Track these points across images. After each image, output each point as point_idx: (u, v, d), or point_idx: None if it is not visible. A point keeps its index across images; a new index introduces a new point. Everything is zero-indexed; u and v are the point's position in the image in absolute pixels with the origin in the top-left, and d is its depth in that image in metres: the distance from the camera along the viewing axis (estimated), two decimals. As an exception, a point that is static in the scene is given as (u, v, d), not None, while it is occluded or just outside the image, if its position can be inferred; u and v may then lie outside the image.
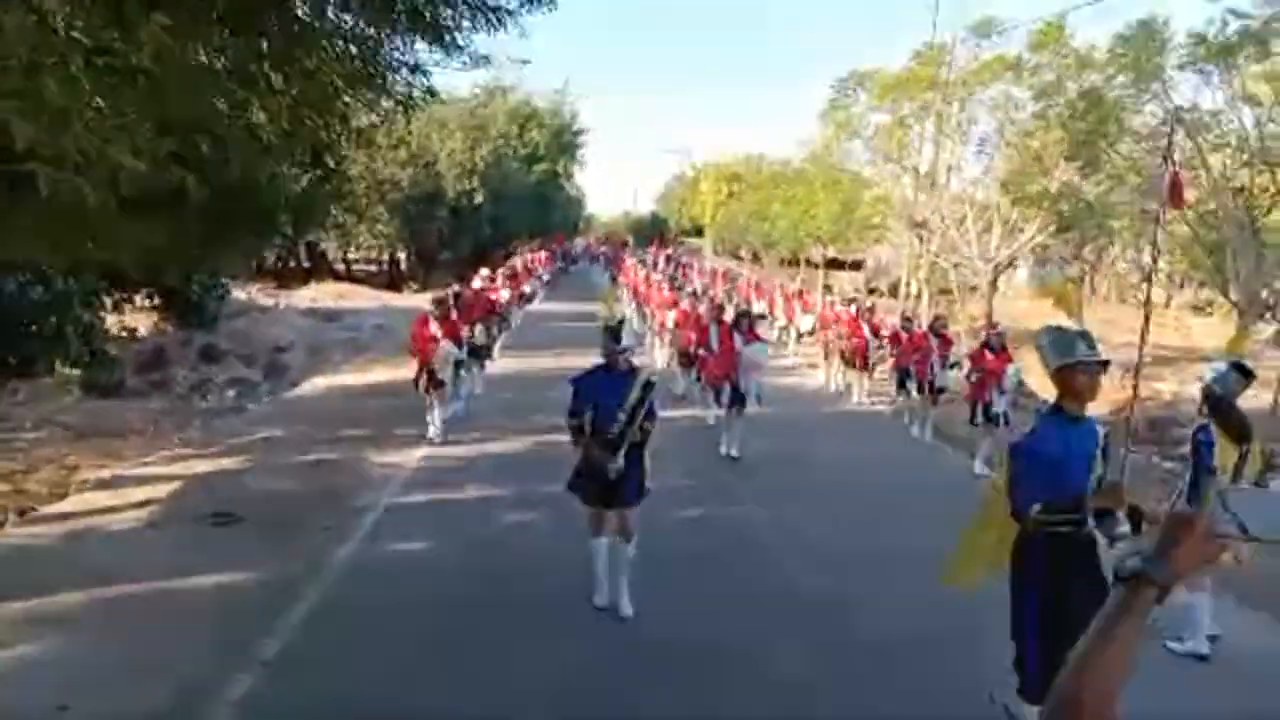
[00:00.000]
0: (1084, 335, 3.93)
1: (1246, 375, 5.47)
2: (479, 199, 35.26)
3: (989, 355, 10.74)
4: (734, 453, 10.58)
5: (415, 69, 5.25)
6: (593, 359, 6.06)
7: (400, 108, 5.60)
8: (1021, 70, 16.16)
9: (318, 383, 15.71)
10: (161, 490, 8.47)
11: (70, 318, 9.75)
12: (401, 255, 40.40)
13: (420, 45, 5.08)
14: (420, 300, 27.41)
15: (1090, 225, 15.16)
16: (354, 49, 4.52)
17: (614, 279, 31.71)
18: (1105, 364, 3.95)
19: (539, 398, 11.63)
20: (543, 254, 38.30)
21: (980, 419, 10.63)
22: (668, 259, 36.39)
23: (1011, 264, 19.17)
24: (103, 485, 8.96)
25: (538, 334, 20.39)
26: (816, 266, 34.03)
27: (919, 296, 20.21)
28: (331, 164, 6.01)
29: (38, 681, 4.74)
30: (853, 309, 15.62)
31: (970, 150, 18.91)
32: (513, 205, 38.93)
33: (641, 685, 5.03)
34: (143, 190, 3.38)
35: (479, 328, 13.41)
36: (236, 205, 4.54)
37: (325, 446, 10.17)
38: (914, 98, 18.40)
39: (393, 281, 38.05)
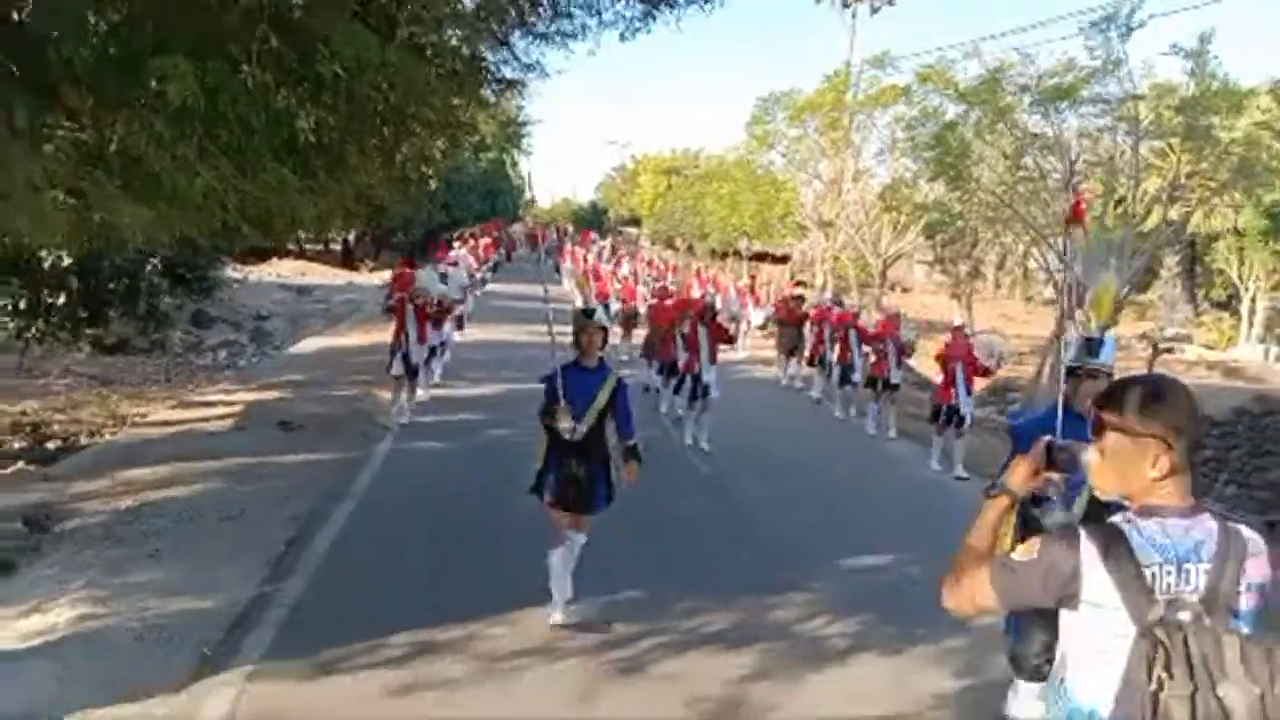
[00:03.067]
0: (1089, 343, 4.20)
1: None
2: (433, 185, 37.64)
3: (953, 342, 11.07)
4: (705, 445, 10.62)
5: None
6: (540, 330, 6.37)
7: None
8: (911, 98, 19.47)
9: (310, 343, 18.30)
10: (232, 410, 11.20)
11: (141, 282, 12.37)
12: (352, 236, 42.53)
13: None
14: (379, 277, 30.11)
15: (953, 231, 18.63)
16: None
17: (556, 268, 34.37)
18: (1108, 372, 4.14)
19: (503, 355, 14.90)
20: (486, 240, 40.83)
21: (943, 419, 10.67)
22: (613, 249, 39.27)
23: (898, 258, 22.52)
24: (178, 407, 11.67)
25: (492, 312, 23.22)
26: (745, 258, 37.41)
27: (824, 287, 23.58)
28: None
29: (194, 508, 7.47)
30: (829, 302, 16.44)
31: (872, 160, 22.30)
32: (462, 191, 41.36)
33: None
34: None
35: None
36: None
37: (341, 385, 12.93)
38: (822, 116, 21.78)
39: (348, 260, 40.39)
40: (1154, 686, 1.96)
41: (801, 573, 6.72)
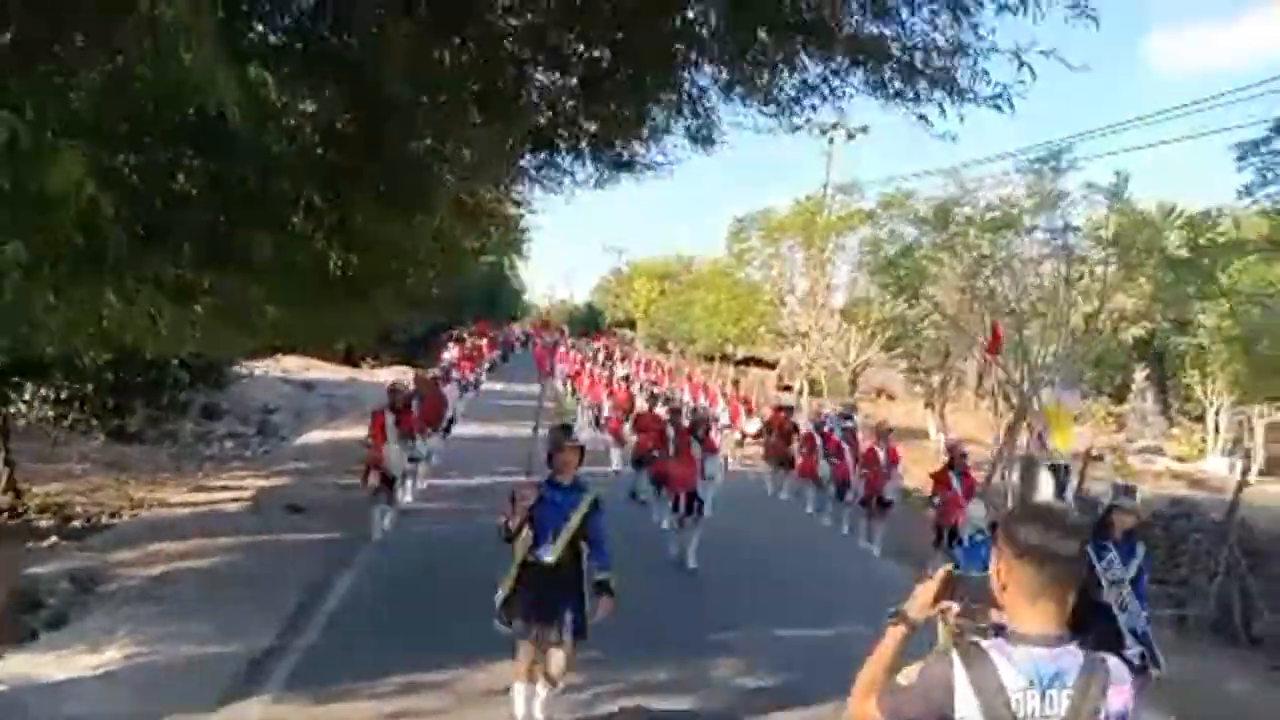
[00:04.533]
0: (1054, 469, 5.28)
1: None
2: (434, 289, 39.41)
3: (952, 479, 10.37)
4: (691, 563, 10.37)
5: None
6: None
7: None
8: (877, 221, 21.22)
9: (315, 435, 19.52)
10: (243, 494, 12.38)
11: (168, 377, 13.72)
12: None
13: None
14: (381, 374, 31.59)
15: (912, 344, 20.22)
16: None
17: (551, 369, 35.64)
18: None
19: (496, 449, 15.98)
20: (484, 341, 42.31)
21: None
22: (608, 352, 40.76)
23: (866, 367, 23.99)
24: (194, 490, 12.85)
25: (487, 409, 24.51)
26: (736, 363, 39.00)
27: (800, 393, 25.00)
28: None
29: (218, 576, 8.61)
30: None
31: (843, 277, 24.04)
32: (462, 292, 43.13)
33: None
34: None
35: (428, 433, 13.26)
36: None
37: (343, 473, 14.09)
38: (796, 235, 23.68)
39: (349, 357, 41.91)
40: None
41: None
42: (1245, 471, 32.26)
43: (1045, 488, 6.07)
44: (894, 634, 2.42)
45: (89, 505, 13.20)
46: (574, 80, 6.73)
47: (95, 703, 5.54)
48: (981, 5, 5.80)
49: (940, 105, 6.30)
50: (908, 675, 2.30)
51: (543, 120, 7.07)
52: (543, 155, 7.60)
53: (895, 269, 16.73)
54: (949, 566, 2.44)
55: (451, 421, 17.16)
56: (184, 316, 4.63)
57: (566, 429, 5.76)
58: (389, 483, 10.72)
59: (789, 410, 18.59)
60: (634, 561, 8.61)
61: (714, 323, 30.91)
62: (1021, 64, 5.91)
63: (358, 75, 4.60)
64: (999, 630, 2.29)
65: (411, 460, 11.82)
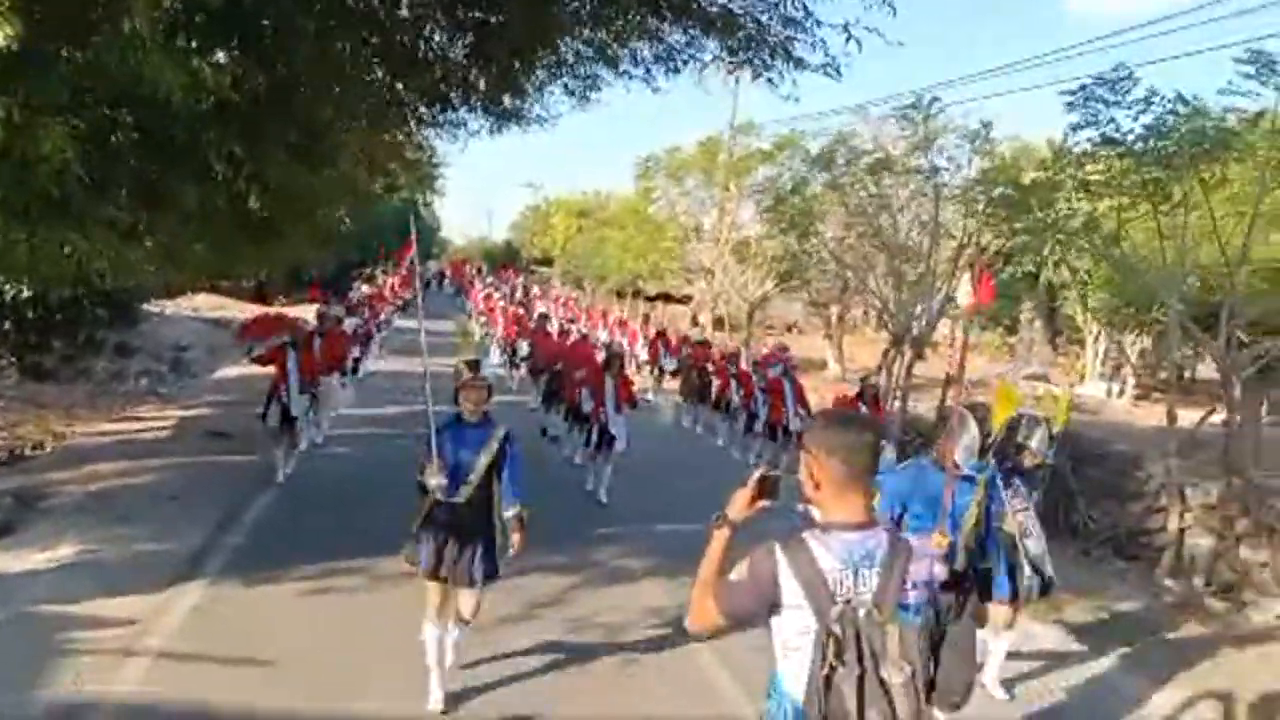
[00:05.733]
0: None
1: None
2: (344, 220, 39.39)
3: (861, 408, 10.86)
4: (602, 497, 10.51)
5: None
6: (445, 361, 6.11)
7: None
8: (776, 161, 22.39)
9: (229, 370, 20.02)
10: (164, 424, 13.08)
11: (85, 314, 14.19)
12: (264, 273, 43.79)
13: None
14: (293, 312, 31.76)
15: (803, 280, 21.73)
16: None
17: (463, 307, 36.22)
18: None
19: (407, 383, 16.87)
20: (395, 279, 42.31)
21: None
22: (524, 287, 41.29)
23: (764, 300, 25.36)
24: (117, 421, 13.48)
25: (402, 342, 25.20)
26: (648, 299, 40.10)
27: (704, 328, 26.33)
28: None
29: (148, 491, 9.45)
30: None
31: (747, 215, 25.22)
32: (375, 230, 43.10)
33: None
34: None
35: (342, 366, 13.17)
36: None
37: (258, 404, 14.76)
38: (696, 175, 24.84)
39: (260, 295, 41.76)
40: (826, 671, 2.40)
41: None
42: (1120, 394, 34.65)
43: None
44: (719, 536, 2.65)
45: (10, 439, 13.70)
46: (465, 42, 7.61)
47: (58, 588, 6.45)
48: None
49: (779, 71, 7.40)
50: (738, 571, 2.54)
51: (437, 75, 7.93)
52: (438, 108, 8.45)
53: (784, 207, 17.91)
54: (761, 470, 2.68)
55: (358, 361, 17.20)
56: (131, 253, 5.50)
57: (473, 364, 5.35)
58: (290, 421, 10.36)
59: (705, 345, 19.15)
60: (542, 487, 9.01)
61: (625, 259, 31.96)
62: (850, 37, 7.03)
63: (272, 45, 5.46)
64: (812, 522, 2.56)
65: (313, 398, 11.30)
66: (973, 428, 4.93)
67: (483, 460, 5.19)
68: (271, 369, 10.42)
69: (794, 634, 2.48)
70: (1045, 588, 5.79)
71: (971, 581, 5.02)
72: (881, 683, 2.38)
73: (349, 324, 16.96)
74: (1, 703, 4.78)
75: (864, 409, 10.73)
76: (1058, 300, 38.67)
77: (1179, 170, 9.01)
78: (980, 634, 5.45)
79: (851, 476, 2.50)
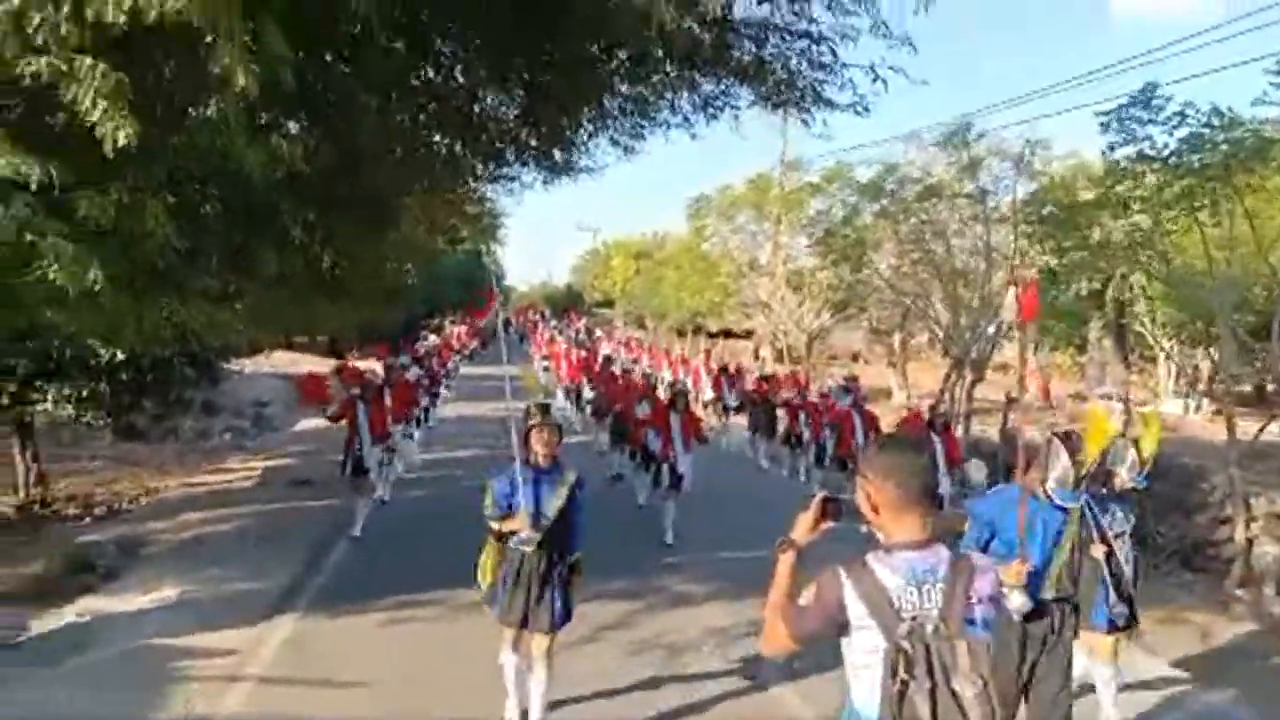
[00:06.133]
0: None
1: None
2: (412, 279, 40.75)
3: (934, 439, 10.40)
4: (668, 539, 10.36)
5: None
6: (517, 404, 6.14)
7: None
8: (826, 193, 22.71)
9: (307, 423, 20.92)
10: (250, 475, 13.83)
11: (174, 374, 15.11)
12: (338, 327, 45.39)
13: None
14: (365, 365, 32.91)
15: (858, 309, 21.90)
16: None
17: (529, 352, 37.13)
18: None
19: (477, 427, 17.56)
20: (461, 329, 43.49)
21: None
22: (588, 329, 42.06)
23: (821, 332, 25.56)
24: (209, 473, 14.29)
25: (471, 388, 25.99)
26: (710, 335, 40.52)
27: (762, 360, 26.62)
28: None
29: (239, 537, 10.08)
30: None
31: (800, 248, 25.55)
32: (440, 282, 44.41)
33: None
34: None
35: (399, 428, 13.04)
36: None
37: (336, 453, 15.50)
38: (751, 211, 25.33)
39: (334, 350, 43.25)
40: (898, 686, 2.44)
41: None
42: (1197, 410, 33.58)
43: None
44: (785, 560, 2.74)
45: (108, 495, 14.59)
46: (515, 103, 8.17)
47: (163, 625, 7.03)
48: (845, 36, 7.26)
49: (810, 112, 7.80)
50: (806, 595, 2.61)
51: (492, 136, 8.51)
52: (493, 166, 9.03)
53: (834, 239, 18.20)
54: (823, 494, 2.78)
55: (427, 411, 17.88)
56: (222, 315, 6.11)
57: (544, 408, 5.44)
58: (364, 473, 10.63)
59: (771, 379, 19.11)
60: (608, 523, 9.01)
61: (681, 298, 32.47)
62: (876, 78, 7.40)
63: (339, 119, 6.06)
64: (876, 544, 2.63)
65: (388, 450, 11.74)
66: (1064, 457, 4.81)
67: (555, 505, 5.21)
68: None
69: (863, 654, 2.55)
70: (1131, 619, 5.50)
71: (1066, 615, 4.85)
72: (954, 695, 2.43)
73: (412, 374, 17.42)
74: (123, 721, 5.30)
75: (935, 437, 10.48)
76: (1126, 317, 38.01)
77: (1216, 181, 9.13)
78: (1087, 665, 5.39)
79: (907, 499, 2.59)
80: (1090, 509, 5.09)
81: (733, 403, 20.39)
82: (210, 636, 6.82)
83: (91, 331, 5.32)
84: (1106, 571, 5.25)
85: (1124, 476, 5.46)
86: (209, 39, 3.61)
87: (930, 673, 2.44)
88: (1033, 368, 16.11)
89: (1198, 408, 30.06)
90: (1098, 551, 5.22)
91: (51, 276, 4.20)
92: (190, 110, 4.20)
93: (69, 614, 7.39)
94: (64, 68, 3.51)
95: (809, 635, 2.64)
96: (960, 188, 18.05)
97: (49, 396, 13.45)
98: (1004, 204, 18.00)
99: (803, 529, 2.74)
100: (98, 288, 4.35)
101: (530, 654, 5.28)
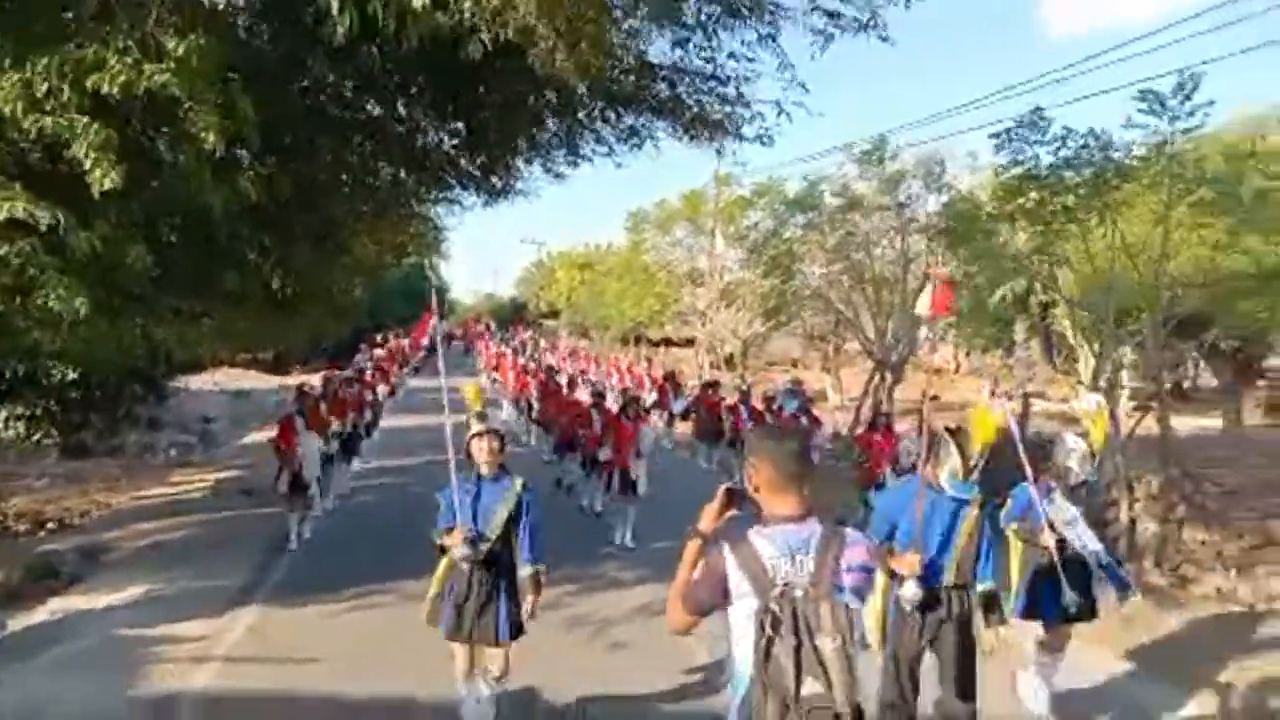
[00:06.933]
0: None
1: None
2: (358, 293, 41.00)
3: (875, 436, 11.11)
4: (629, 543, 10.57)
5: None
6: (455, 416, 6.01)
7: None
8: (756, 206, 23.73)
9: (254, 436, 21.28)
10: (201, 486, 14.30)
11: (125, 390, 15.51)
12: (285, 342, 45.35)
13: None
14: (312, 379, 33.14)
15: (787, 316, 23.00)
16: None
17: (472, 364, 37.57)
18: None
19: (423, 438, 18.02)
20: (405, 342, 43.62)
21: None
22: (533, 340, 42.52)
23: (755, 339, 26.61)
24: (159, 485, 14.71)
25: (413, 401, 26.49)
26: (652, 344, 41.41)
27: (701, 367, 27.58)
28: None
29: (195, 541, 10.63)
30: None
31: (733, 258, 26.59)
32: (385, 296, 44.64)
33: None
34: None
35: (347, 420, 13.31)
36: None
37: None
38: (685, 224, 26.35)
39: (278, 365, 43.27)
40: (764, 642, 2.68)
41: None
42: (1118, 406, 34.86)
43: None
44: (691, 547, 2.98)
45: (58, 511, 14.89)
46: (454, 136, 8.94)
47: (133, 618, 7.65)
48: (747, 79, 8.17)
49: (721, 143, 8.69)
50: (698, 571, 2.90)
51: (435, 165, 9.26)
52: (437, 191, 9.78)
53: (764, 250, 19.20)
54: (727, 484, 3.03)
55: (370, 426, 17.27)
56: (191, 332, 6.77)
57: (481, 416, 5.40)
58: (301, 489, 10.55)
59: (714, 385, 19.63)
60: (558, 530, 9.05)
61: (623, 308, 33.38)
62: (780, 111, 8.31)
63: (295, 156, 6.77)
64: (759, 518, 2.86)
65: (326, 460, 11.63)
66: (953, 450, 4.96)
67: (500, 513, 5.14)
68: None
69: (743, 618, 2.78)
70: (1088, 610, 5.67)
71: (964, 602, 5.02)
72: (815, 650, 2.64)
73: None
74: (106, 698, 5.93)
75: (877, 438, 11.01)
76: (1049, 319, 39.81)
77: (1087, 198, 10.23)
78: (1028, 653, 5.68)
79: (783, 478, 2.86)
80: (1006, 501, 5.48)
81: (678, 409, 20.79)
82: (177, 627, 7.45)
83: (74, 350, 5.91)
84: (1058, 560, 5.40)
85: (1076, 470, 5.75)
86: (187, 105, 4.33)
87: (795, 630, 2.66)
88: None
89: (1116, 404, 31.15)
90: (1048, 539, 5.45)
91: (51, 304, 4.86)
92: (165, 158, 4.87)
93: (41, 613, 7.95)
94: (65, 125, 4.20)
95: (701, 606, 2.89)
96: (879, 200, 19.18)
97: (1, 416, 13.80)
98: (921, 215, 19.24)
99: (708, 518, 2.98)
100: (83, 312, 5.02)
101: (482, 669, 5.28)
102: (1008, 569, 5.82)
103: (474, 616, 5.07)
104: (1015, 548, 5.89)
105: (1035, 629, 5.91)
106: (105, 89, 4.11)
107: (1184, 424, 18.82)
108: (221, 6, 4.37)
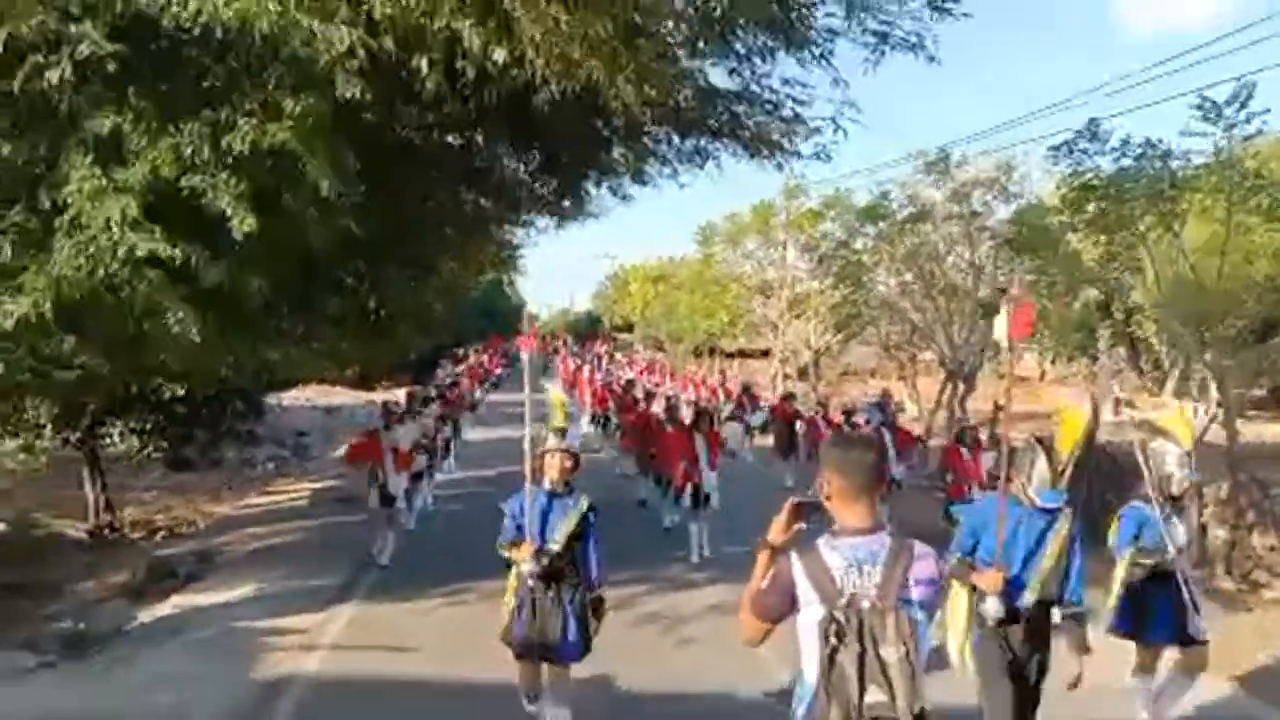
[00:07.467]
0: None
1: None
2: (440, 309, 42.35)
3: (961, 450, 10.53)
4: (705, 551, 10.64)
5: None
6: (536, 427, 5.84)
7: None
8: (826, 218, 24.03)
9: (345, 450, 22.35)
10: (299, 496, 15.26)
11: (229, 407, 16.60)
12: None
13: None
14: (397, 394, 34.52)
15: (858, 327, 23.16)
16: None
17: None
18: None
19: (505, 449, 18.75)
20: (483, 358, 44.82)
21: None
22: (610, 355, 43.28)
23: (826, 350, 26.81)
24: (260, 496, 15.74)
25: (495, 416, 27.41)
26: (728, 355, 41.74)
27: (775, 378, 27.89)
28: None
29: (298, 545, 11.46)
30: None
31: (804, 269, 26.87)
32: (463, 313, 45.92)
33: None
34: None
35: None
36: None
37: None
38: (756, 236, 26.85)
39: (363, 380, 44.90)
40: (829, 650, 2.74)
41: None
42: (1207, 412, 33.87)
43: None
44: (761, 559, 2.98)
45: (168, 520, 16.04)
46: (530, 165, 9.61)
47: (245, 613, 8.45)
48: (800, 102, 8.63)
49: (779, 160, 9.16)
50: (766, 580, 2.93)
51: (512, 192, 9.96)
52: (514, 215, 10.48)
53: (832, 260, 19.49)
54: (796, 499, 3.00)
55: (449, 443, 17.90)
56: (299, 352, 7.53)
57: (560, 432, 5.46)
58: (389, 501, 10.63)
59: (790, 398, 19.67)
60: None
61: (696, 320, 33.90)
62: (837, 128, 8.76)
63: (390, 195, 7.50)
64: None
65: (414, 478, 11.85)
66: (1041, 458, 4.77)
67: (564, 529, 5.14)
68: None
69: (810, 627, 2.83)
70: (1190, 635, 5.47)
71: (1049, 618, 4.84)
72: (880, 659, 2.68)
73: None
74: (231, 676, 6.69)
75: (965, 453, 10.52)
76: (1132, 326, 38.90)
77: (1147, 207, 10.37)
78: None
79: (853, 489, 2.87)
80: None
81: (755, 422, 20.37)
82: (284, 620, 8.20)
83: (201, 369, 6.72)
84: (1177, 585, 5.28)
85: (1178, 475, 5.48)
86: (302, 160, 5.00)
87: (860, 640, 2.71)
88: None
89: (1207, 410, 30.22)
90: (1178, 564, 5.30)
91: (174, 328, 5.59)
92: (287, 204, 5.56)
93: (165, 608, 8.82)
94: (210, 182, 4.92)
95: (769, 611, 2.93)
96: (949, 209, 19.31)
97: (117, 431, 14.94)
98: (991, 223, 19.29)
99: (777, 530, 2.96)
100: (201, 337, 5.75)
101: (547, 687, 5.29)
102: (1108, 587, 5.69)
103: (539, 635, 5.10)
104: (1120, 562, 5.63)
105: (1129, 649, 5.74)
106: (237, 147, 4.81)
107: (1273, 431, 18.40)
108: (326, 70, 4.99)
